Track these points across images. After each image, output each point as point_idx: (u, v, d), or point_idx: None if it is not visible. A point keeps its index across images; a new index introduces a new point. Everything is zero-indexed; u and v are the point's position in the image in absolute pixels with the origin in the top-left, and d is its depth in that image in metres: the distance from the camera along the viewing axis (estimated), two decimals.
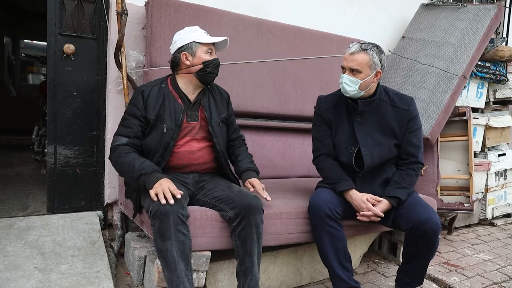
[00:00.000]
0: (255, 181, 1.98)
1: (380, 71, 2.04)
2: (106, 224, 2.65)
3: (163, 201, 1.63)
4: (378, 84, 2.11)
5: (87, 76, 2.58)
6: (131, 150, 1.85)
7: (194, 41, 1.93)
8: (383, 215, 1.99)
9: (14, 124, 5.81)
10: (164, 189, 1.66)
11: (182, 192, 1.71)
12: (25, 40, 7.91)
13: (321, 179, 2.23)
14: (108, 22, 2.50)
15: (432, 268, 2.62)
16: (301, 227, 2.04)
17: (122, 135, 1.88)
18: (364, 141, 2.08)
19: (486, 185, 3.59)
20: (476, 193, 3.32)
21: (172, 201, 1.64)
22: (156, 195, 1.65)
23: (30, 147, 3.87)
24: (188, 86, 1.99)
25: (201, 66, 1.94)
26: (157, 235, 1.63)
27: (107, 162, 2.59)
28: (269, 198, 1.92)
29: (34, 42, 7.89)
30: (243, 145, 2.21)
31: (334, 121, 2.16)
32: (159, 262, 1.70)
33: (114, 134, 1.91)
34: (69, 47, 2.49)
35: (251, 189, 1.95)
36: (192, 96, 1.99)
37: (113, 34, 2.47)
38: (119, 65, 2.38)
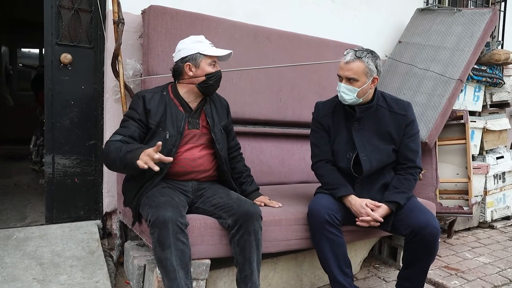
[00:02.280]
0: (262, 198, 2.14)
1: (377, 77, 2.04)
2: (105, 233, 2.64)
3: (156, 168, 1.59)
4: (376, 89, 2.12)
5: (84, 85, 2.58)
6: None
7: (199, 53, 1.94)
8: (382, 220, 1.99)
9: (12, 133, 5.80)
10: (150, 154, 1.61)
11: (171, 159, 1.68)
12: (22, 49, 7.91)
13: (320, 185, 2.23)
14: (105, 31, 2.51)
15: (433, 272, 2.62)
16: (300, 234, 2.04)
17: (117, 134, 1.86)
18: (362, 147, 2.08)
19: (485, 188, 3.59)
20: (475, 196, 3.32)
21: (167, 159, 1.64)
22: (146, 163, 1.60)
23: (28, 157, 3.86)
24: (189, 95, 2.00)
25: (203, 78, 1.95)
26: (157, 244, 1.62)
27: (106, 171, 2.58)
28: (280, 205, 2.10)
29: (31, 51, 7.90)
30: (242, 159, 2.26)
31: (332, 127, 2.16)
32: (159, 271, 1.69)
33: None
34: (66, 57, 2.49)
35: (262, 205, 2.06)
36: (193, 104, 2.00)
37: (110, 43, 2.47)
38: (116, 74, 2.38)
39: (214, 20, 2.61)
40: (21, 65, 6.19)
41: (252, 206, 1.82)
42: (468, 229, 3.67)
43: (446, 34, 3.27)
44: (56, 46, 2.49)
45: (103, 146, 1.87)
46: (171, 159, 1.68)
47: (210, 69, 1.96)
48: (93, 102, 2.60)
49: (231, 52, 2.01)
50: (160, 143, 1.61)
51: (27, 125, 4.91)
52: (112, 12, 2.30)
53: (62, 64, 2.50)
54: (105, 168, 2.58)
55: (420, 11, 3.57)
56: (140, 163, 1.60)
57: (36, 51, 7.67)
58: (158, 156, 1.61)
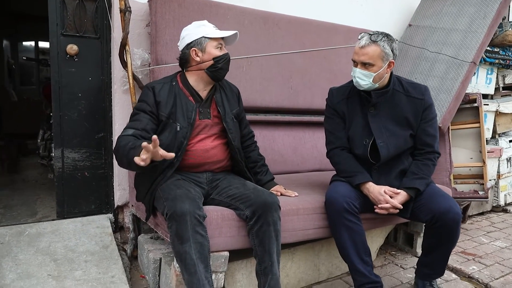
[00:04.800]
0: (278, 187, 2.10)
1: (393, 61, 1.98)
2: (117, 227, 2.61)
3: (156, 150, 1.48)
4: (391, 74, 2.06)
5: (91, 77, 2.53)
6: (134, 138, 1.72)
7: (203, 36, 1.88)
8: (402, 207, 1.95)
9: (17, 129, 5.75)
10: (147, 148, 1.48)
11: (172, 155, 1.55)
12: (23, 43, 7.83)
13: (334, 172, 2.18)
14: (111, 20, 2.45)
15: (450, 258, 2.55)
16: (318, 223, 2.00)
17: (129, 128, 1.78)
18: (379, 133, 2.03)
19: (498, 172, 3.54)
20: (489, 180, 3.28)
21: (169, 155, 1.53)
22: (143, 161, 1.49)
23: (35, 152, 3.84)
24: (199, 83, 1.94)
25: (211, 62, 1.89)
26: (175, 237, 1.58)
27: (116, 164, 2.54)
28: (296, 194, 2.06)
29: (33, 44, 7.81)
30: (256, 148, 2.20)
31: (348, 113, 2.11)
32: (177, 265, 1.65)
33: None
34: (72, 48, 2.44)
35: (279, 195, 2.01)
36: (203, 93, 1.94)
37: (116, 32, 2.41)
38: (124, 64, 2.33)
39: (222, 7, 2.54)
40: (24, 58, 6.09)
41: (270, 196, 1.77)
42: (482, 213, 3.63)
43: (458, 16, 3.19)
44: (62, 37, 2.43)
45: (117, 139, 1.77)
46: (172, 155, 1.56)
47: (217, 52, 1.89)
48: (101, 93, 2.56)
49: (236, 33, 1.94)
50: (155, 136, 1.49)
51: (33, 120, 4.86)
52: (119, 0, 2.23)
53: (68, 56, 2.45)
54: (115, 161, 2.54)
55: None
56: (137, 159, 1.49)
57: (39, 44, 7.59)
58: (162, 152, 1.52)
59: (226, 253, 1.77)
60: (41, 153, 3.55)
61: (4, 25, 6.71)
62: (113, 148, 1.82)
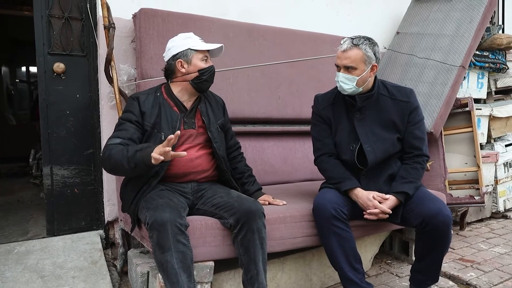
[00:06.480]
0: (266, 197, 2.09)
1: (376, 64, 1.98)
2: (108, 243, 2.58)
3: (168, 148, 1.53)
4: (376, 78, 2.05)
5: (79, 94, 2.54)
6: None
7: (189, 48, 1.89)
8: (391, 212, 1.92)
9: (14, 152, 5.79)
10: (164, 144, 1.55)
11: (185, 153, 1.64)
12: (22, 69, 7.96)
13: (324, 180, 2.16)
14: (97, 38, 2.48)
15: (447, 265, 2.53)
16: (307, 230, 1.97)
17: (115, 137, 1.78)
18: (366, 138, 2.01)
19: (496, 177, 3.49)
20: (486, 185, 3.23)
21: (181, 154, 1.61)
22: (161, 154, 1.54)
23: (29, 172, 3.84)
24: (183, 94, 1.95)
25: (197, 74, 1.90)
26: (156, 247, 1.56)
27: (106, 180, 2.53)
28: (284, 202, 2.05)
29: (30, 68, 7.94)
30: (242, 159, 2.20)
31: (333, 119, 2.10)
32: (161, 276, 1.62)
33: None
34: (58, 66, 2.46)
35: (266, 204, 2.03)
36: (188, 104, 1.95)
37: (102, 49, 2.44)
38: (110, 79, 2.34)
39: (206, 20, 2.57)
40: (17, 80, 6.19)
41: (254, 203, 1.75)
42: (481, 220, 3.57)
43: (445, 21, 3.20)
44: (49, 56, 2.46)
45: (102, 150, 1.78)
46: (184, 153, 1.64)
47: (203, 64, 1.91)
48: (89, 110, 2.57)
49: (222, 46, 1.96)
50: (178, 132, 1.57)
51: (29, 142, 4.89)
52: (102, 17, 2.26)
53: (55, 74, 2.47)
54: (105, 177, 2.53)
55: (416, 0, 3.51)
56: (155, 155, 1.53)
57: (34, 69, 7.72)
58: (172, 153, 1.57)
59: (211, 263, 1.74)
60: (34, 172, 3.55)
61: (2, 51, 6.84)
62: (101, 158, 1.80)
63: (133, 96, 1.93)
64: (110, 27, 2.26)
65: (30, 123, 5.46)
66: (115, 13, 2.33)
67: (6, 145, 6.04)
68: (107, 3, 2.25)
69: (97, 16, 2.49)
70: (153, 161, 1.56)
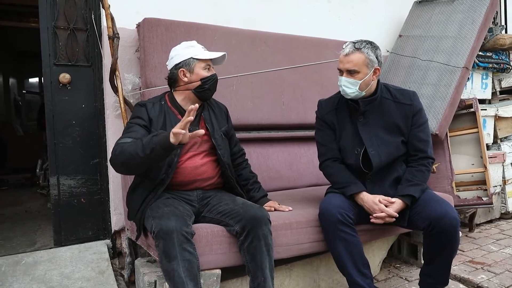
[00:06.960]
0: (271, 203, 2.09)
1: (378, 67, 1.99)
2: (115, 253, 2.59)
3: (190, 118, 1.52)
4: (378, 81, 2.05)
5: (85, 104, 2.56)
6: None
7: (191, 57, 1.91)
8: (397, 215, 1.91)
9: (22, 162, 5.84)
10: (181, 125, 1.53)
11: (202, 131, 1.61)
12: (29, 80, 8.05)
13: (330, 185, 2.15)
14: (102, 48, 2.50)
15: (457, 268, 2.51)
16: (313, 236, 1.96)
17: (126, 137, 1.76)
18: (370, 141, 2.01)
19: (504, 177, 3.46)
20: (494, 186, 3.20)
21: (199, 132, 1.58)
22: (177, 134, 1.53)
23: (37, 183, 3.86)
24: (186, 102, 1.96)
25: (199, 83, 1.91)
26: (162, 255, 1.56)
27: (112, 189, 2.54)
28: (290, 208, 2.04)
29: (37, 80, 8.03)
30: (247, 166, 2.20)
31: (337, 124, 2.10)
32: (168, 285, 1.62)
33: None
34: (64, 77, 2.48)
35: (272, 210, 2.02)
36: None
37: (107, 59, 2.46)
38: (115, 89, 2.36)
39: (209, 28, 2.58)
40: (24, 91, 6.26)
41: (259, 210, 1.75)
42: (490, 221, 3.54)
43: (447, 23, 3.20)
44: (54, 66, 2.48)
45: (113, 148, 1.75)
46: (202, 131, 1.61)
47: (205, 73, 1.92)
48: (95, 120, 2.58)
49: (224, 54, 1.97)
50: (202, 131, 1.59)
51: (36, 153, 4.94)
52: (107, 27, 2.29)
53: (61, 84, 2.49)
54: (111, 186, 2.54)
55: (418, 3, 3.51)
56: (175, 129, 1.52)
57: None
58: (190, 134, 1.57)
59: (218, 271, 1.73)
60: (41, 183, 3.56)
61: (10, 62, 6.93)
62: (110, 158, 1.78)
63: (140, 103, 1.94)
64: (114, 37, 2.29)
65: (38, 133, 5.51)
66: (119, 23, 2.36)
67: (14, 156, 6.10)
68: (111, 14, 2.28)
69: (102, 27, 2.51)
70: (172, 140, 1.53)
